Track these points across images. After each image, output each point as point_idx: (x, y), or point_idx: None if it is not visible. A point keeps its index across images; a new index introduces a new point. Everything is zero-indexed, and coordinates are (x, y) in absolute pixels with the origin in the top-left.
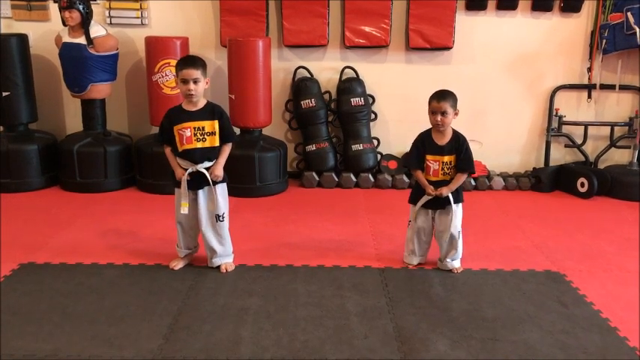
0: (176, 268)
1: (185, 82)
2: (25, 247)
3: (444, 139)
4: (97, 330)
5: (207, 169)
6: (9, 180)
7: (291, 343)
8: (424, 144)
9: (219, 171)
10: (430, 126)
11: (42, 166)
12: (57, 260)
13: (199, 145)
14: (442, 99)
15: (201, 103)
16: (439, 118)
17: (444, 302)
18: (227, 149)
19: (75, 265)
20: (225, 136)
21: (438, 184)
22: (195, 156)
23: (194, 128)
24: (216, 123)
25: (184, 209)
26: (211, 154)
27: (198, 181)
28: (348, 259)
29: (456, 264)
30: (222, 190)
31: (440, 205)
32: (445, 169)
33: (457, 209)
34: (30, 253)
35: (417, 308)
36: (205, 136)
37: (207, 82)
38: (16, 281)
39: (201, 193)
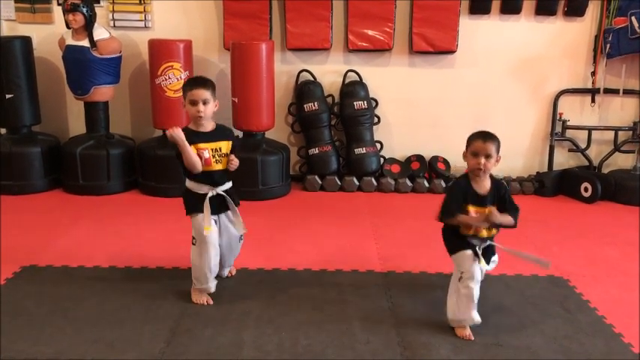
0: (211, 302)
1: (194, 103)
2: (27, 249)
3: (484, 188)
4: (98, 333)
5: (226, 191)
6: (11, 182)
7: (293, 348)
8: (465, 193)
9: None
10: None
11: (45, 169)
12: (59, 263)
13: (219, 167)
14: (489, 139)
15: (212, 125)
16: (482, 161)
17: (446, 307)
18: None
19: (77, 268)
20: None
21: (479, 239)
22: (215, 178)
23: (212, 150)
24: (230, 144)
25: (208, 232)
26: (227, 176)
27: (217, 206)
28: (350, 263)
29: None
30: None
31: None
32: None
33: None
34: (32, 256)
35: (420, 313)
36: (222, 158)
37: (216, 105)
38: (18, 284)
39: (224, 217)
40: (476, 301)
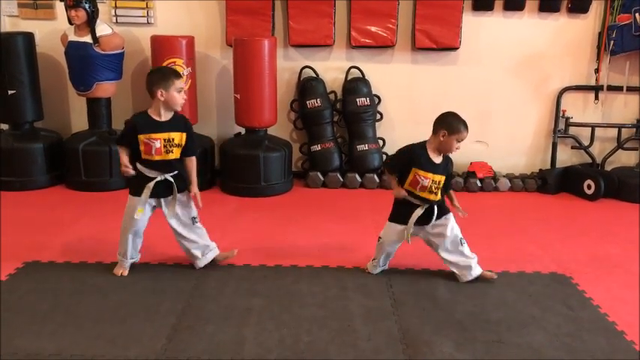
0: (125, 274)
1: (181, 90)
2: (29, 245)
3: (439, 159)
4: (100, 329)
5: (173, 176)
6: (14, 178)
7: (295, 344)
8: (416, 158)
9: (197, 190)
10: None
11: (47, 165)
12: (61, 259)
13: (170, 156)
14: (467, 130)
15: (171, 114)
16: (458, 146)
17: (448, 304)
18: (194, 164)
19: (79, 264)
20: (189, 149)
21: (422, 200)
22: (164, 167)
23: (164, 140)
24: (184, 135)
25: (139, 215)
26: (177, 165)
27: (163, 190)
28: (352, 259)
29: (476, 271)
30: (187, 195)
31: (429, 219)
32: (433, 187)
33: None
34: (34, 252)
35: (422, 310)
36: (174, 148)
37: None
38: (21, 280)
39: (165, 201)
40: (381, 256)
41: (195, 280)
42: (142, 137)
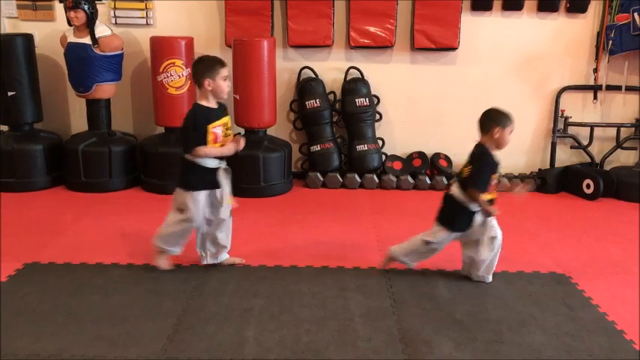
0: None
1: (227, 78)
2: (29, 246)
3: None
4: (100, 330)
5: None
6: (14, 180)
7: (295, 344)
8: (495, 164)
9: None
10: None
11: (47, 166)
12: (61, 260)
13: (226, 141)
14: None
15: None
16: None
17: (448, 304)
18: None
19: (79, 264)
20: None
21: (491, 202)
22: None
23: (223, 125)
24: (229, 118)
25: (232, 203)
26: None
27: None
28: (352, 260)
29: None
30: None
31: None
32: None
33: None
34: (34, 253)
35: (422, 310)
36: (228, 131)
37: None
38: (21, 281)
39: (219, 191)
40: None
41: (196, 280)
42: (210, 127)
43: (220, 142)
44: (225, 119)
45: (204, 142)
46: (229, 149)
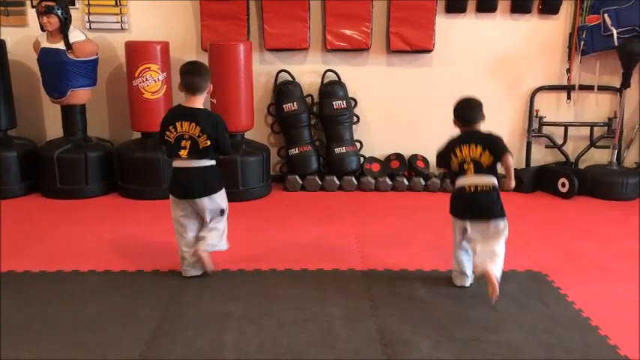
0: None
1: None
2: (4, 255)
3: None
4: (78, 338)
5: None
6: None
7: (275, 348)
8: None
9: None
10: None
11: (22, 173)
12: (37, 268)
13: None
14: None
15: None
16: None
17: (426, 303)
18: None
19: (55, 272)
20: None
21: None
22: None
23: None
24: None
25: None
26: None
27: None
28: (331, 262)
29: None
30: None
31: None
32: None
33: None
34: (9, 262)
35: (401, 310)
36: None
37: None
38: None
39: None
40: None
41: (174, 286)
42: None
43: None
44: None
45: None
46: None
